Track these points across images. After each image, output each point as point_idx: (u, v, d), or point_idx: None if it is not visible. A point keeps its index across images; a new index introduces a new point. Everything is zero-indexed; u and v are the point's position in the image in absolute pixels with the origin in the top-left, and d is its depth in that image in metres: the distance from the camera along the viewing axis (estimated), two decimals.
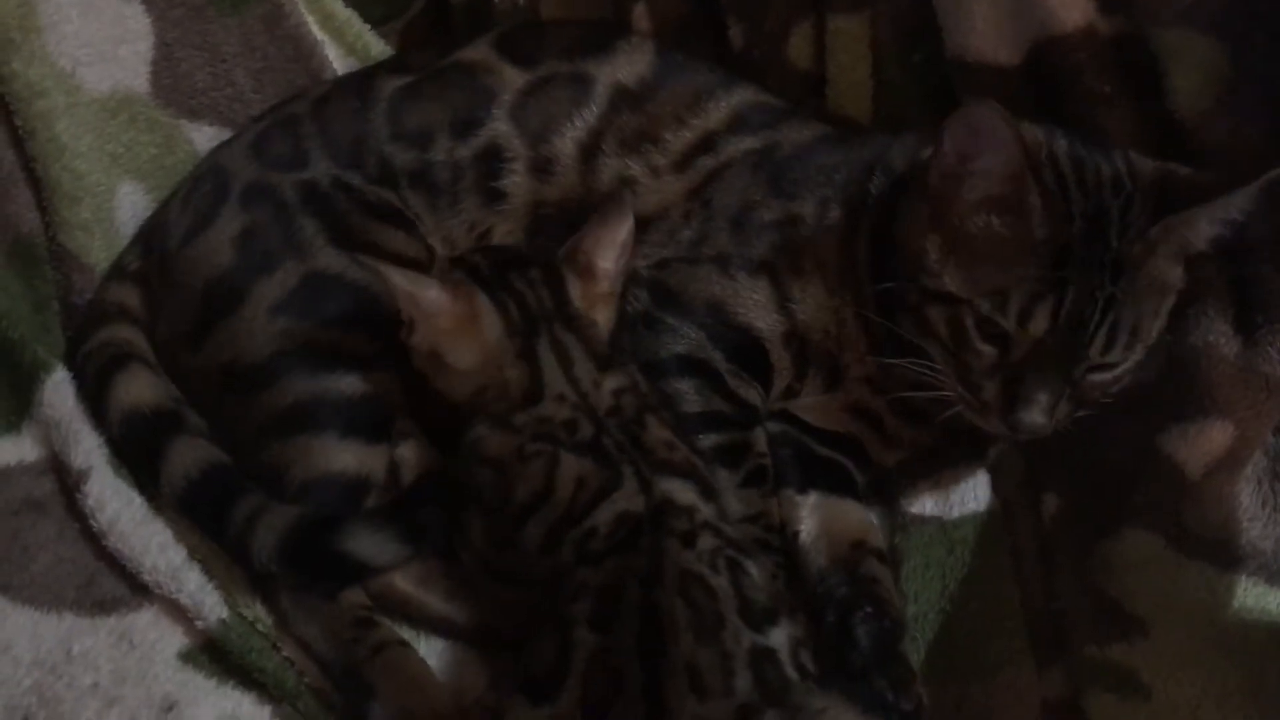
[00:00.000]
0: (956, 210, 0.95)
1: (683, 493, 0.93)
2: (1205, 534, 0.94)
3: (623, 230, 1.03)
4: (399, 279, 0.96)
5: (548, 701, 0.83)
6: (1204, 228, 0.95)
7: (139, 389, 1.05)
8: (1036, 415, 0.94)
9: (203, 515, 1.00)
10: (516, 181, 1.13)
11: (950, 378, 0.98)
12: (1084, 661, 0.95)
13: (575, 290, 1.02)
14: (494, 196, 1.14)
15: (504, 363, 0.98)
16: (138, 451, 1.04)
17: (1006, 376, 0.95)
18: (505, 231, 1.15)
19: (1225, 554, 0.93)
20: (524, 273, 1.01)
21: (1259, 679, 0.88)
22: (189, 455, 1.01)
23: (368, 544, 0.95)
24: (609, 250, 1.02)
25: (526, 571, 0.94)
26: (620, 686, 0.82)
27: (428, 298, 0.97)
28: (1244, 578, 0.92)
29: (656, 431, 0.97)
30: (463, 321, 0.97)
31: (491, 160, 1.13)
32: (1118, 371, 0.96)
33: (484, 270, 1.02)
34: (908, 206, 1.01)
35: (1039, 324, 0.93)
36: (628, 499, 0.91)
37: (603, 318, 1.03)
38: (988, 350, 0.95)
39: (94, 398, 1.08)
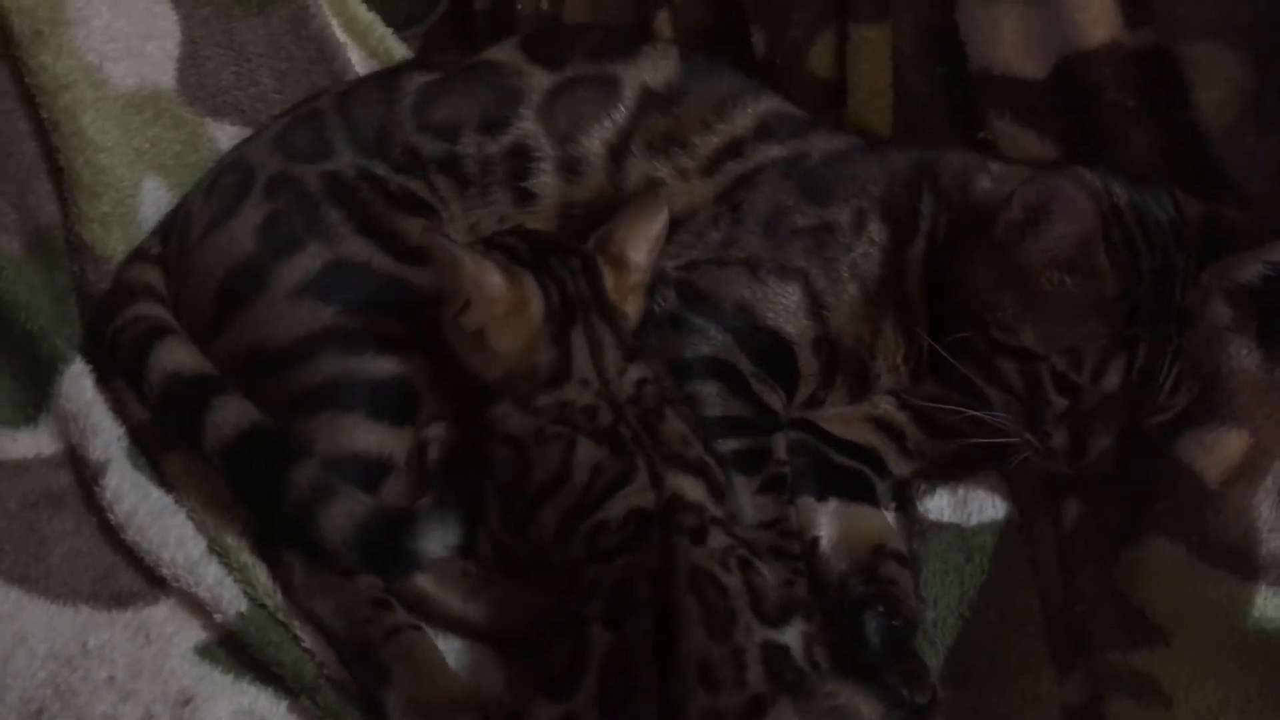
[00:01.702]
0: (1025, 264, 0.97)
1: (693, 489, 0.93)
2: (1226, 543, 0.95)
3: (656, 224, 1.03)
4: (469, 261, 0.97)
5: (565, 699, 0.83)
6: (1252, 268, 0.97)
7: (181, 355, 1.05)
8: (1104, 460, 0.98)
9: (251, 470, 0.99)
10: (545, 182, 1.14)
11: (1015, 423, 1.00)
12: (1105, 668, 0.95)
13: (609, 281, 1.03)
14: (524, 196, 1.14)
15: (539, 345, 0.98)
16: (179, 409, 1.03)
17: (1075, 425, 0.98)
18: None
19: (1246, 564, 0.94)
20: (564, 260, 1.02)
21: (1279, 688, 0.89)
22: (237, 408, 1.00)
23: (433, 541, 0.96)
24: (642, 243, 1.03)
25: (539, 556, 0.94)
26: (636, 683, 0.82)
27: (492, 283, 0.97)
28: (1264, 587, 0.92)
29: (674, 424, 0.97)
30: (515, 307, 0.98)
31: (520, 159, 1.14)
32: (1177, 410, 1.00)
33: (522, 254, 1.03)
34: (971, 251, 1.02)
35: (1112, 380, 0.96)
36: (639, 494, 0.91)
37: (632, 309, 1.04)
38: (1059, 402, 0.98)
39: (130, 364, 1.07)
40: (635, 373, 0.99)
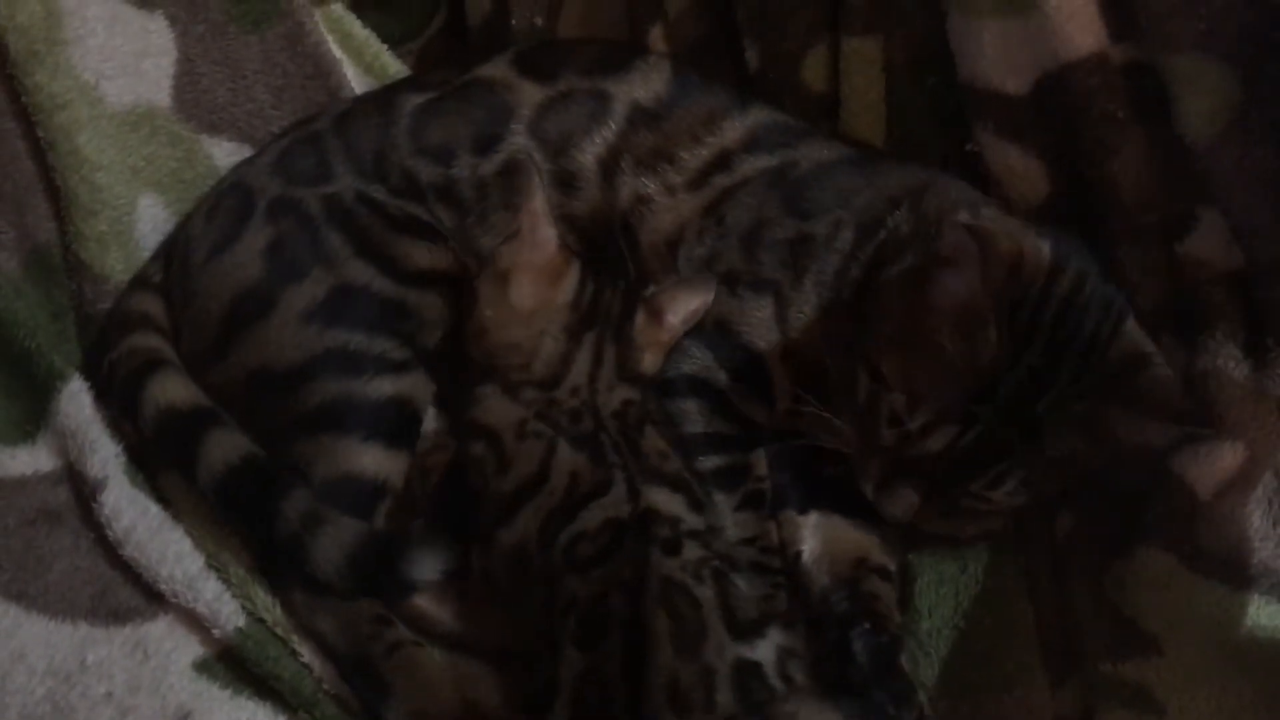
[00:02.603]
0: (928, 300, 0.93)
1: (669, 503, 0.94)
2: (1218, 553, 0.95)
3: (700, 300, 1.07)
4: (539, 199, 1.03)
5: (545, 717, 0.84)
6: (1133, 427, 0.93)
7: (174, 389, 1.06)
8: (899, 510, 0.96)
9: (242, 503, 1.00)
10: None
11: (852, 435, 0.99)
12: (1098, 679, 0.95)
13: (640, 323, 1.06)
14: None
15: (550, 329, 1.01)
16: (173, 445, 1.04)
17: (890, 464, 0.96)
18: None
19: (1238, 573, 0.94)
20: (613, 278, 1.07)
21: (1273, 697, 0.89)
22: (228, 443, 1.01)
23: (424, 566, 0.96)
24: (681, 309, 1.06)
25: (516, 568, 0.95)
26: (609, 704, 0.83)
27: (544, 232, 1.03)
28: (1257, 596, 0.92)
29: (654, 441, 0.99)
30: (549, 270, 1.03)
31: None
32: (999, 506, 0.96)
33: (582, 254, 1.08)
34: (904, 266, 0.99)
35: (934, 443, 0.93)
36: (615, 505, 0.92)
37: (650, 360, 1.06)
38: (888, 434, 0.95)
39: (124, 398, 1.07)
40: (624, 392, 1.01)
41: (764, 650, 0.87)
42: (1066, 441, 0.92)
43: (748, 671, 0.85)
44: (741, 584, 0.91)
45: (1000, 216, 1.04)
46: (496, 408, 0.99)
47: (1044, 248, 0.96)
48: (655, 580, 0.87)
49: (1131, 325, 0.96)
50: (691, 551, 0.90)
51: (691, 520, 0.94)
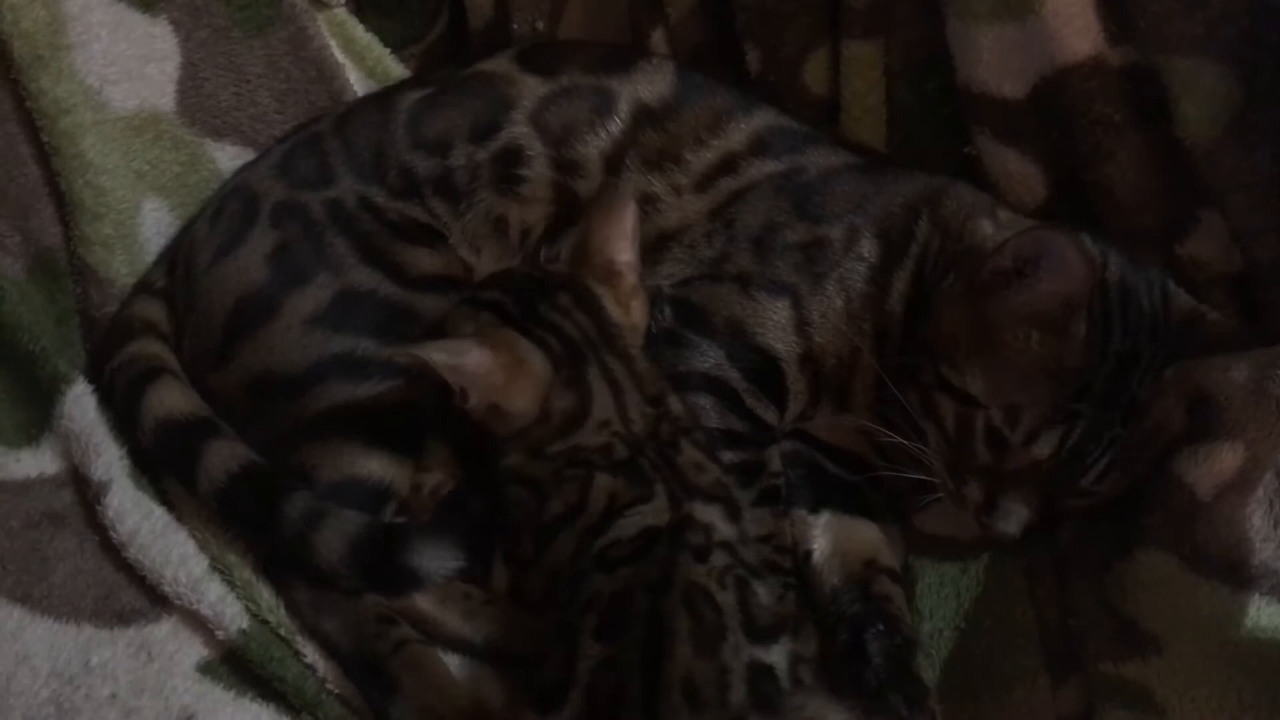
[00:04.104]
0: (999, 313, 0.95)
1: (703, 512, 0.93)
2: (1218, 554, 0.94)
3: (629, 218, 1.01)
4: (440, 356, 0.93)
5: (555, 711, 0.84)
6: (1220, 374, 0.96)
7: (173, 399, 1.06)
8: (1011, 526, 0.97)
9: (245, 509, 1.00)
10: (539, 171, 1.13)
11: (939, 463, 1.00)
12: (1098, 679, 0.96)
13: (608, 299, 1.01)
14: (512, 182, 1.13)
15: (554, 394, 0.96)
16: (173, 456, 1.04)
17: (993, 482, 0.97)
18: (521, 219, 1.14)
19: (1238, 574, 0.93)
20: (554, 301, 1.00)
21: (1273, 697, 0.89)
22: (227, 452, 1.02)
23: (428, 558, 0.96)
24: (622, 242, 1.01)
25: (549, 585, 0.94)
26: (623, 698, 0.83)
27: (472, 362, 0.93)
28: (1257, 597, 0.92)
29: (689, 454, 0.97)
30: (512, 369, 0.95)
31: (510, 157, 1.14)
32: (1100, 499, 0.99)
33: (511, 309, 1.00)
34: (952, 284, 1.01)
35: (1042, 448, 0.95)
36: (655, 514, 0.92)
37: (638, 315, 1.03)
38: (985, 454, 0.97)
39: (124, 409, 1.08)
40: (652, 410, 0.98)
41: (777, 654, 0.87)
42: (1163, 411, 0.95)
43: (761, 673, 0.85)
44: (761, 592, 0.91)
45: (1018, 219, 1.06)
46: (531, 468, 0.96)
47: (1087, 240, 0.98)
48: (680, 583, 0.87)
49: (1174, 287, 1.00)
50: (719, 559, 0.90)
51: (725, 530, 0.93)
